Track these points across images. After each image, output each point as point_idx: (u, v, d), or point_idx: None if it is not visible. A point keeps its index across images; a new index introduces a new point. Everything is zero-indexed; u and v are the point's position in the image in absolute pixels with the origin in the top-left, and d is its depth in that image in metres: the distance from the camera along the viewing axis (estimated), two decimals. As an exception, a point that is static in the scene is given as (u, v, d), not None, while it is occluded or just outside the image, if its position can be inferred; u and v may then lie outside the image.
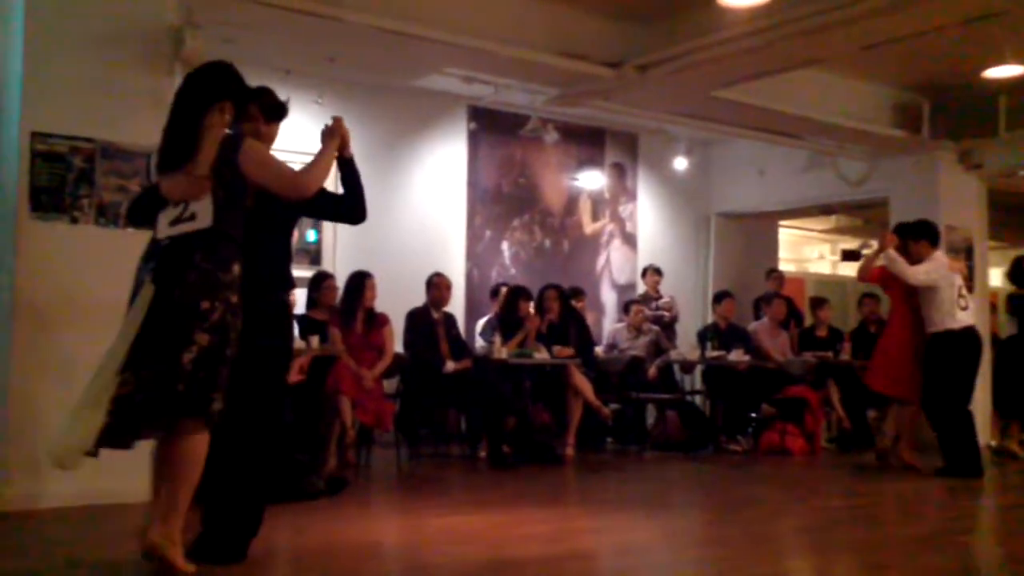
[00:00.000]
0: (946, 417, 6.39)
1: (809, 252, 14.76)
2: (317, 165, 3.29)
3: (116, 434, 2.88)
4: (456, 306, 7.93)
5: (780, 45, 6.02)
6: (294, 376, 5.86)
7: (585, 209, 9.32)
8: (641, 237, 9.68)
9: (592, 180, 9.28)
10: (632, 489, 6.02)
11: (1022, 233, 9.92)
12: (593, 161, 9.35)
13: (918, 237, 6.49)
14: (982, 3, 5.57)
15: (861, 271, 6.84)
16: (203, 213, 3.08)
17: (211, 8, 5.31)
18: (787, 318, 8.90)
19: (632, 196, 9.66)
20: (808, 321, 9.26)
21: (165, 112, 4.86)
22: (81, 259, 4.67)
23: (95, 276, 4.61)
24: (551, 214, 9.09)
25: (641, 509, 5.13)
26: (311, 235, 7.60)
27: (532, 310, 7.37)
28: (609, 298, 9.41)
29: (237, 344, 3.05)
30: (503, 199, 8.81)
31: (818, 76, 7.62)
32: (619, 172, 9.59)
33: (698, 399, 8.89)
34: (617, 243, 9.54)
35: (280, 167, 3.21)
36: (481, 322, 7.85)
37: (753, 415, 8.32)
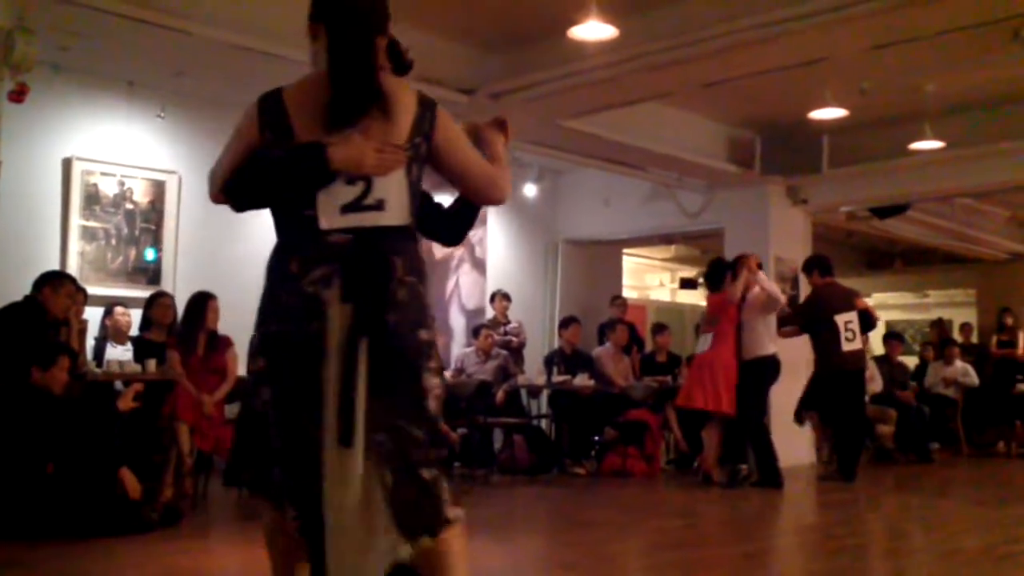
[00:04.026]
0: (760, 434, 7.10)
1: (651, 280, 15.29)
2: (506, 166, 2.35)
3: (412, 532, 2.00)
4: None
5: (626, 79, 6.28)
6: (126, 403, 5.57)
7: (436, 233, 9.31)
8: (490, 262, 9.77)
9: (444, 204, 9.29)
10: (479, 513, 6.02)
11: (842, 266, 10.73)
12: (445, 185, 9.35)
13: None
14: (807, 50, 5.98)
15: (735, 293, 7.21)
16: (396, 201, 2.14)
17: (45, 12, 4.96)
18: (629, 344, 9.19)
19: (482, 221, 9.75)
20: (649, 347, 9.60)
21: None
22: None
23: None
24: (401, 237, 9.03)
25: (488, 533, 5.13)
26: (149, 254, 7.21)
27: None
28: (458, 322, 9.44)
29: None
30: (353, 221, 8.68)
31: (661, 110, 7.96)
32: (470, 197, 9.64)
33: (544, 423, 9.03)
34: (466, 268, 9.59)
35: (480, 157, 2.27)
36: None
37: (597, 438, 8.53)
